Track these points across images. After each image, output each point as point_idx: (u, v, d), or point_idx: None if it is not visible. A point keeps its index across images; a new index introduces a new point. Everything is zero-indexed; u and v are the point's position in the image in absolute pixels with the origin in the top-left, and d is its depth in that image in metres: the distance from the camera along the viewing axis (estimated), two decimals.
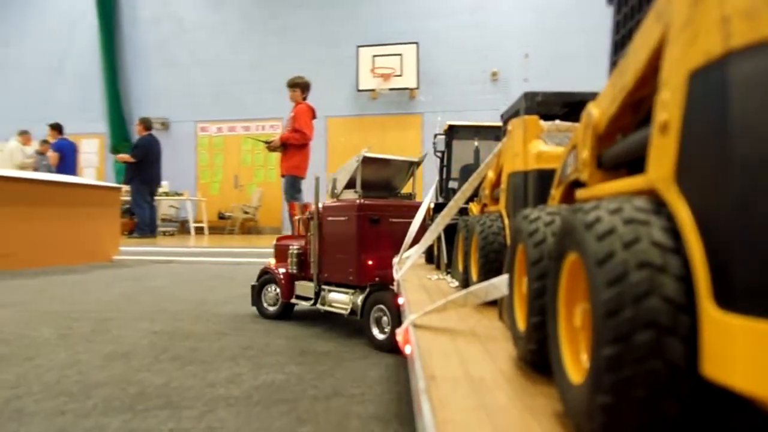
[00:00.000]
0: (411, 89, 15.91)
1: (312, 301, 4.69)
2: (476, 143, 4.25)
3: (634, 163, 0.80)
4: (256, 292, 5.19)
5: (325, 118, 15.19)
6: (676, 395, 0.57)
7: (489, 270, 1.70)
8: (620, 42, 1.01)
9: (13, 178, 8.90)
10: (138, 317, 4.64)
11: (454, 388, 0.94)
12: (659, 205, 0.64)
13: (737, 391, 0.49)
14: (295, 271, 4.89)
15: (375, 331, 4.04)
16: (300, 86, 9.26)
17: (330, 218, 4.61)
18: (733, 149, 0.50)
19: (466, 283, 2.05)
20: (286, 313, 5.07)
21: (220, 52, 16.57)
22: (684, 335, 0.56)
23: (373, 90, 15.97)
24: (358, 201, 4.44)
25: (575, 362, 0.77)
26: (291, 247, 5.00)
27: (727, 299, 0.51)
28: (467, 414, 0.82)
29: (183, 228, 16.67)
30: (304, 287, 4.82)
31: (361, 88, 15.91)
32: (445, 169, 4.48)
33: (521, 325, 1.07)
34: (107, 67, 16.54)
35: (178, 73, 16.84)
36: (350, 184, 4.62)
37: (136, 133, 13.80)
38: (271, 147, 9.38)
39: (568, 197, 1.18)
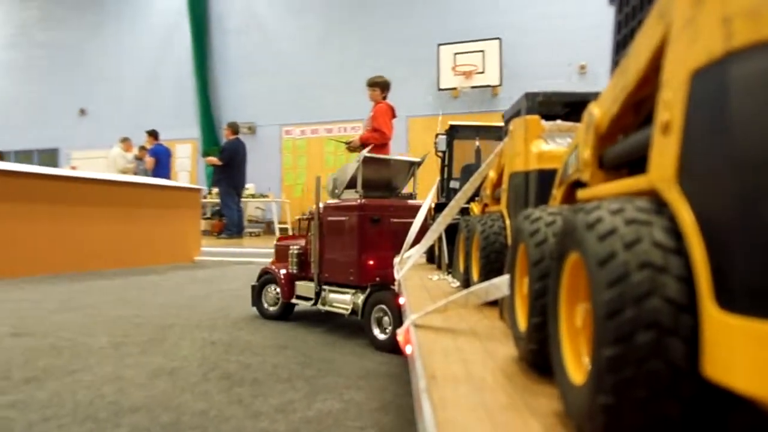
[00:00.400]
0: (493, 86, 14.60)
1: (312, 302, 4.70)
2: (477, 143, 4.25)
3: (636, 164, 0.80)
4: (257, 293, 5.18)
5: (406, 118, 15.09)
6: (677, 396, 0.56)
7: (490, 270, 1.70)
8: (622, 42, 1.00)
9: (102, 180, 9.25)
10: (198, 324, 4.53)
11: (455, 388, 0.93)
12: (661, 206, 0.64)
13: (738, 392, 0.49)
14: (295, 271, 4.89)
15: (376, 332, 4.04)
16: (380, 85, 9.15)
17: (331, 218, 4.61)
18: (734, 149, 0.50)
19: (467, 283, 2.05)
20: (286, 313, 5.05)
21: (302, 57, 16.81)
22: (685, 336, 0.55)
23: (454, 88, 15.49)
24: (359, 201, 4.45)
25: (576, 362, 0.77)
26: (291, 247, 5.00)
27: (728, 300, 0.51)
28: (468, 414, 0.82)
29: (268, 229, 16.93)
30: (305, 287, 4.82)
31: (442, 86, 15.48)
32: (446, 169, 4.47)
33: (522, 325, 1.07)
34: (199, 76, 17.13)
35: (263, 79, 17.20)
36: (351, 185, 4.63)
37: (224, 137, 14.15)
38: (351, 147, 9.30)
39: (569, 197, 1.18)
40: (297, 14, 17.03)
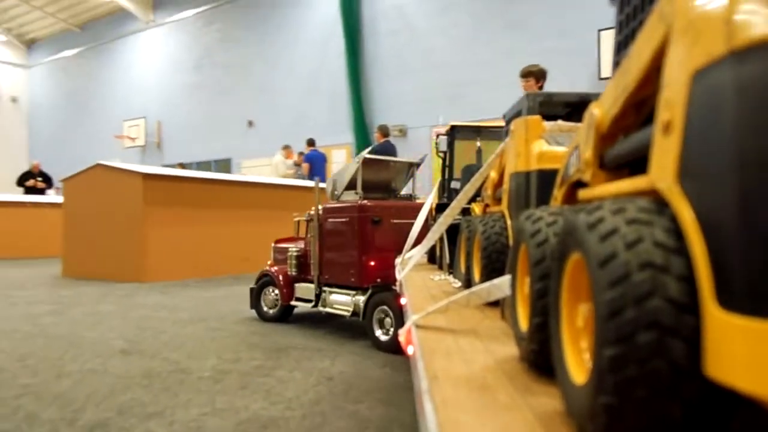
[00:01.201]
0: None
1: (312, 303, 4.69)
2: (478, 143, 4.25)
3: (637, 164, 0.80)
4: (255, 295, 5.17)
5: None
6: (679, 396, 0.57)
7: (491, 270, 1.70)
8: (623, 42, 1.00)
9: (257, 184, 9.84)
10: (321, 348, 4.04)
11: (457, 388, 0.94)
12: (662, 206, 0.64)
13: (740, 391, 0.49)
14: (294, 273, 4.89)
15: (378, 333, 4.04)
16: (534, 74, 8.61)
17: (331, 219, 4.61)
18: (735, 149, 0.50)
19: (468, 283, 2.05)
20: (285, 315, 5.05)
21: (451, 54, 16.63)
22: (687, 336, 0.56)
23: None
24: (359, 202, 4.45)
25: (578, 362, 0.77)
26: (290, 249, 5.00)
27: (729, 299, 0.51)
28: (470, 414, 0.82)
29: None
30: (305, 289, 4.81)
31: (603, 76, 14.29)
32: (447, 170, 4.47)
33: (523, 325, 1.07)
34: (352, 81, 17.27)
35: (413, 79, 17.21)
36: (350, 186, 4.63)
37: (375, 140, 14.27)
38: None
39: (570, 197, 1.18)
40: (445, 11, 16.81)
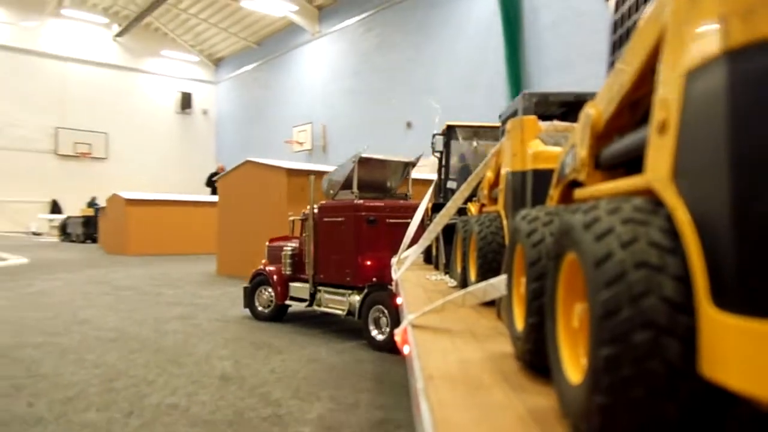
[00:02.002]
0: None
1: (307, 303, 4.69)
2: (475, 143, 4.25)
3: (632, 163, 0.80)
4: (249, 294, 5.15)
5: None
6: (674, 395, 0.57)
7: (487, 270, 1.70)
8: (618, 42, 1.01)
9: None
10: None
11: (453, 388, 0.93)
12: (657, 205, 0.64)
13: (735, 391, 0.49)
14: (289, 273, 4.87)
15: (374, 332, 4.05)
16: None
17: (326, 219, 4.60)
18: (730, 148, 0.50)
19: (464, 283, 2.05)
20: (280, 315, 5.04)
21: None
22: (682, 335, 0.56)
23: None
24: (355, 201, 4.45)
25: (573, 362, 0.77)
26: (284, 248, 4.98)
27: (725, 299, 0.51)
28: (465, 413, 0.82)
29: None
30: (299, 288, 4.81)
31: None
32: (443, 170, 4.47)
33: (519, 325, 1.07)
34: (511, 75, 16.84)
35: (576, 73, 16.85)
36: (346, 185, 4.62)
37: None
38: None
39: (566, 197, 1.18)
40: None
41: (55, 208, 21.75)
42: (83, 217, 17.37)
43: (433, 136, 4.46)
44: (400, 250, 3.12)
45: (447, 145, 4.43)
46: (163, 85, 25.61)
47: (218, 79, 26.81)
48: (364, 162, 4.58)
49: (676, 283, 0.57)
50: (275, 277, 4.90)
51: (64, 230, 18.06)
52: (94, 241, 15.62)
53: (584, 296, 0.69)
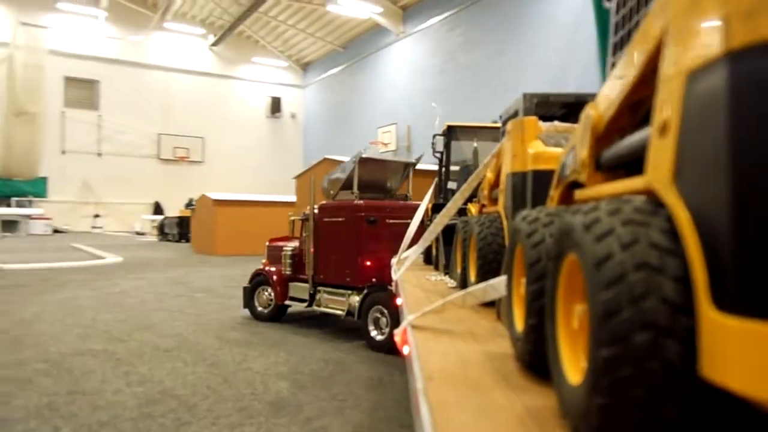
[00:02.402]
0: None
1: (307, 303, 4.69)
2: (475, 144, 4.25)
3: (633, 164, 0.80)
4: (248, 294, 5.16)
5: None
6: (673, 396, 0.57)
7: (487, 271, 1.70)
8: (619, 43, 1.01)
9: None
10: None
11: (453, 389, 0.93)
12: (658, 206, 0.64)
13: (735, 392, 0.49)
14: (289, 273, 4.87)
15: (373, 333, 4.05)
16: None
17: (326, 219, 4.61)
18: (731, 149, 0.50)
19: (464, 283, 2.05)
20: (279, 315, 5.04)
21: None
22: (682, 336, 0.56)
23: None
24: (355, 202, 4.45)
25: (573, 363, 0.77)
26: (284, 248, 4.98)
27: (725, 300, 0.51)
28: (465, 413, 0.82)
29: None
30: (299, 288, 4.81)
31: None
32: (443, 170, 4.47)
33: (519, 326, 1.07)
34: (604, 70, 16.84)
35: None
36: (346, 185, 4.63)
37: None
38: None
39: (566, 198, 1.18)
40: None
41: (158, 209, 23.10)
42: (178, 217, 18.22)
43: (434, 136, 4.46)
44: (399, 251, 3.12)
45: (447, 145, 4.43)
46: (254, 91, 26.77)
47: (306, 83, 27.69)
48: (364, 162, 4.58)
49: (676, 284, 0.57)
50: (275, 277, 4.90)
51: (161, 230, 18.87)
52: (188, 240, 16.15)
53: (584, 297, 0.69)
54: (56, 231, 19.96)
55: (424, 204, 3.28)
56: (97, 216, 21.99)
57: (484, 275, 1.69)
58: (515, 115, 1.88)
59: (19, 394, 3.08)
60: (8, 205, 19.58)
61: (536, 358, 0.97)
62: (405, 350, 1.41)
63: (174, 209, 20.71)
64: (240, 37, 24.95)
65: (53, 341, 4.26)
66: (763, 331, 0.46)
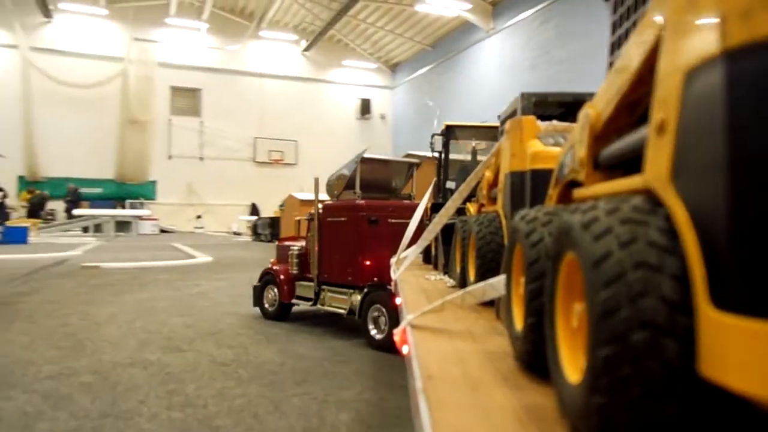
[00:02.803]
0: None
1: (312, 302, 4.72)
2: (474, 143, 4.25)
3: (631, 163, 0.80)
4: (258, 293, 5.20)
5: None
6: (672, 395, 0.57)
7: (486, 270, 1.70)
8: (616, 42, 1.01)
9: None
10: None
11: (452, 388, 0.93)
12: (656, 205, 0.64)
13: (734, 391, 0.49)
14: (296, 272, 4.92)
15: (373, 331, 4.06)
16: None
17: (329, 219, 4.65)
18: (729, 148, 0.50)
19: (463, 283, 2.05)
20: (284, 313, 5.05)
21: None
22: (680, 335, 0.56)
23: None
24: (356, 201, 4.47)
25: (572, 362, 0.77)
26: (292, 248, 5.03)
27: (723, 299, 0.51)
28: (464, 413, 0.82)
29: None
30: (305, 287, 4.84)
31: None
32: (442, 170, 4.47)
33: (518, 325, 1.07)
34: None
35: None
36: (349, 185, 4.65)
37: None
38: None
39: (565, 197, 1.18)
40: None
41: (254, 210, 23.85)
42: (270, 218, 18.90)
43: (432, 136, 4.47)
44: (399, 250, 3.12)
45: (446, 144, 4.43)
46: (345, 93, 27.31)
47: (395, 84, 28.03)
48: (366, 162, 4.60)
49: (674, 283, 0.57)
50: (281, 276, 4.96)
51: (255, 230, 19.36)
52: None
53: (583, 296, 0.69)
54: (163, 231, 20.97)
55: (423, 203, 3.29)
56: (199, 217, 23.07)
57: (483, 275, 1.69)
58: (514, 114, 1.88)
59: (49, 415, 2.81)
60: (123, 207, 20.94)
61: (535, 358, 0.97)
62: (404, 350, 1.41)
63: (269, 210, 21.47)
64: (330, 42, 25.51)
65: (112, 348, 4.05)
66: (762, 330, 0.46)
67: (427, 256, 3.72)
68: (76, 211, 19.58)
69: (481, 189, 2.27)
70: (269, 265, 5.20)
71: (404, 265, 2.62)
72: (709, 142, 0.53)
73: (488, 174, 2.10)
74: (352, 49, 26.29)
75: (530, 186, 1.51)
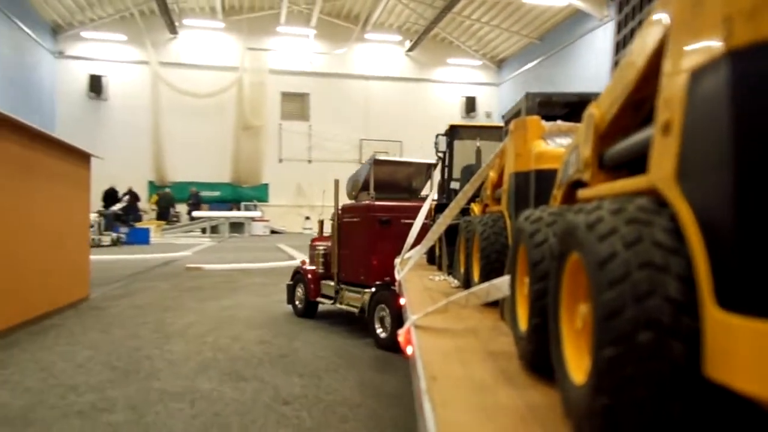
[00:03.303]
0: None
1: (333, 300, 4.83)
2: (478, 143, 4.25)
3: (636, 163, 0.80)
4: (290, 291, 5.37)
5: None
6: (677, 396, 0.56)
7: (490, 271, 1.70)
8: (622, 42, 1.00)
9: None
10: None
11: (456, 389, 0.93)
12: (661, 206, 0.63)
13: (740, 392, 0.49)
14: (321, 271, 5.08)
15: (379, 330, 4.11)
16: None
17: (346, 219, 4.80)
18: (734, 148, 0.50)
19: (467, 283, 2.05)
20: (310, 311, 5.15)
21: None
22: (686, 335, 0.55)
23: None
24: (368, 202, 4.59)
25: (577, 363, 0.77)
26: (318, 247, 5.21)
27: (729, 299, 0.50)
28: (468, 414, 0.82)
29: None
30: (329, 287, 4.97)
31: None
32: (446, 170, 4.47)
33: (522, 325, 1.07)
34: None
35: None
36: (364, 186, 4.78)
37: None
38: None
39: (570, 197, 1.18)
40: None
41: None
42: None
43: (437, 136, 4.47)
44: (403, 251, 3.12)
45: (450, 145, 4.43)
46: (449, 92, 27.21)
47: (500, 80, 27.62)
48: (380, 164, 4.73)
49: (680, 284, 0.57)
50: (308, 276, 5.07)
51: None
52: None
53: (588, 296, 0.68)
54: (273, 232, 21.73)
55: (427, 204, 3.29)
56: (307, 218, 23.51)
57: (487, 275, 1.69)
58: (518, 114, 1.88)
59: None
60: (238, 209, 22.15)
61: (540, 358, 0.97)
62: (408, 350, 1.41)
63: None
64: (434, 40, 25.59)
65: (168, 370, 3.41)
66: (767, 330, 0.46)
67: (431, 257, 3.72)
68: (195, 213, 21.05)
69: (486, 189, 2.27)
70: (300, 264, 5.34)
71: (408, 266, 2.62)
72: (714, 142, 0.53)
73: (492, 174, 2.10)
74: (456, 46, 26.23)
75: (534, 186, 1.51)
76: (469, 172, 3.82)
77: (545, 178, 1.44)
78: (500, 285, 1.32)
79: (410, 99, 26.30)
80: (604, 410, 0.60)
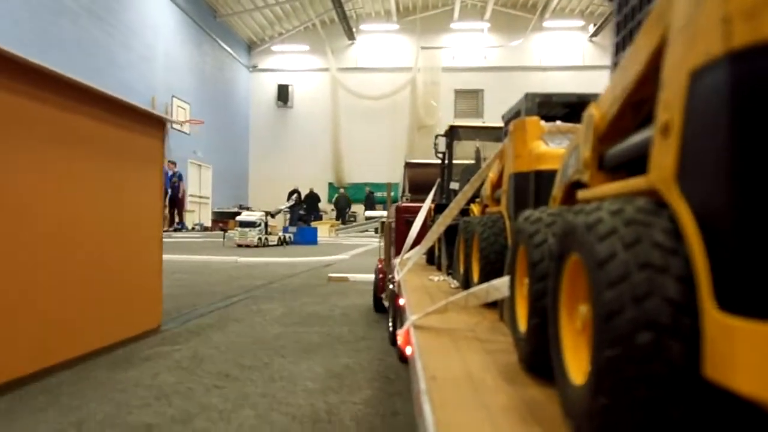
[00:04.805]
0: None
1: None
2: (477, 144, 4.25)
3: (636, 164, 0.80)
4: (374, 287, 5.56)
5: None
6: (677, 397, 0.56)
7: (490, 271, 1.70)
8: (621, 43, 1.00)
9: None
10: None
11: (455, 389, 0.93)
12: (661, 206, 0.64)
13: (739, 393, 0.49)
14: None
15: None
16: None
17: (389, 220, 5.03)
18: (734, 149, 0.50)
19: (466, 284, 2.05)
20: (379, 306, 5.19)
21: None
22: (685, 336, 0.55)
23: None
24: (399, 203, 4.82)
25: (576, 363, 0.77)
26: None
27: (729, 301, 0.50)
28: (468, 414, 0.82)
29: None
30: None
31: None
32: (446, 171, 4.47)
33: (522, 326, 1.07)
34: None
35: None
36: (412, 188, 4.99)
37: None
38: None
39: (569, 198, 1.18)
40: None
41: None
42: None
43: (436, 137, 4.47)
44: (402, 251, 3.12)
45: (450, 145, 4.43)
46: None
47: None
48: (412, 167, 4.89)
49: (679, 285, 0.57)
50: (380, 274, 5.25)
51: None
52: None
53: (587, 297, 0.68)
54: None
55: (427, 205, 3.29)
56: None
57: (486, 276, 1.69)
58: (517, 115, 1.88)
59: None
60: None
61: (539, 359, 0.97)
62: (408, 351, 1.41)
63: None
64: None
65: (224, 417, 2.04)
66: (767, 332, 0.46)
67: (431, 257, 3.72)
68: (368, 213, 21.46)
69: (485, 190, 2.27)
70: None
71: (407, 266, 2.62)
72: (714, 143, 0.53)
73: (492, 175, 2.10)
74: None
75: (534, 187, 1.51)
76: (468, 172, 3.82)
77: (545, 179, 1.44)
78: (500, 285, 1.32)
79: (594, 89, 24.50)
80: (603, 410, 0.60)
